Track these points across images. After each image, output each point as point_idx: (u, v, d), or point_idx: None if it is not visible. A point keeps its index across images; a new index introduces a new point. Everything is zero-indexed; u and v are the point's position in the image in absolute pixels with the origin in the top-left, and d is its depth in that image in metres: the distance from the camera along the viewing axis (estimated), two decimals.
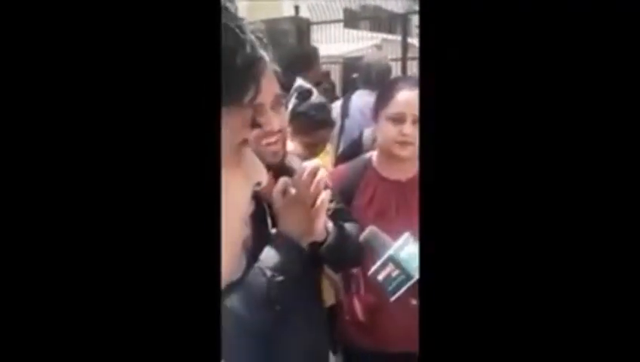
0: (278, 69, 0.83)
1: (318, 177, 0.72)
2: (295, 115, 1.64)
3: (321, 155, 1.74)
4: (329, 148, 1.86)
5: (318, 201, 0.73)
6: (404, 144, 1.13)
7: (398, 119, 1.13)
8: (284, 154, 0.82)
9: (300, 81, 2.80)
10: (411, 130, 1.12)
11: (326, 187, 1.04)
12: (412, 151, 1.15)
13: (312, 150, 1.65)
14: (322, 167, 0.76)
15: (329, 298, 1.40)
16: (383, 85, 2.57)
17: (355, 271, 1.23)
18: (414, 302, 0.82)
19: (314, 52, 3.15)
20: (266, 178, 0.58)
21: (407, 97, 1.14)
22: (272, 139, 0.78)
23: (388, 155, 1.20)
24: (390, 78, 2.46)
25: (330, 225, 0.86)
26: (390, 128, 1.14)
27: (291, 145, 1.67)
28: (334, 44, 5.80)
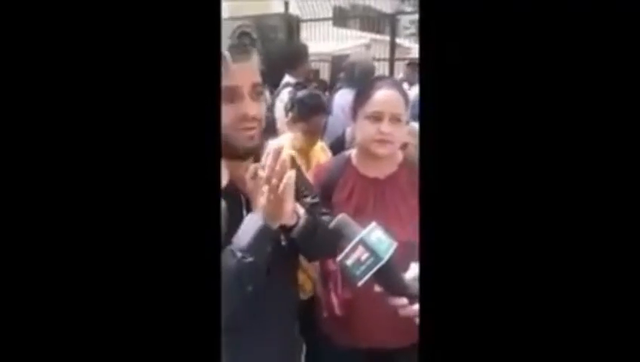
0: (262, 67, 0.86)
1: (281, 157, 0.74)
2: (294, 103, 1.73)
3: (319, 151, 1.79)
4: (324, 145, 1.90)
5: (284, 180, 0.75)
6: (382, 142, 1.14)
7: (376, 118, 1.14)
8: (261, 141, 0.83)
9: (287, 78, 2.81)
10: (389, 129, 1.13)
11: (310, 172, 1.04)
12: (390, 150, 1.17)
13: (309, 138, 1.73)
14: (287, 148, 0.78)
15: (307, 291, 1.43)
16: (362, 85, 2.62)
17: (333, 267, 1.24)
18: (378, 288, 0.84)
19: (303, 49, 3.16)
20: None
21: (385, 96, 1.15)
22: (248, 125, 0.80)
23: (366, 153, 1.22)
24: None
25: (302, 210, 0.88)
26: (368, 127, 1.15)
27: (291, 134, 1.73)
28: (323, 42, 5.81)
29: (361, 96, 1.19)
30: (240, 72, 0.79)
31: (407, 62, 4.51)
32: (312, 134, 1.75)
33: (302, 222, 0.87)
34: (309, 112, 1.72)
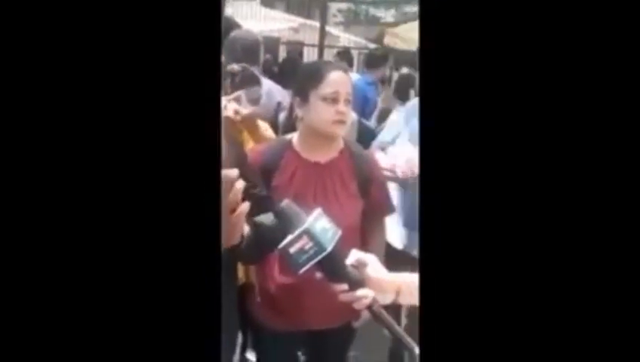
0: None
1: (235, 187, 0.70)
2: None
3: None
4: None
5: (237, 211, 0.71)
6: (340, 123, 1.17)
7: (333, 99, 1.16)
8: None
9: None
10: (345, 109, 1.17)
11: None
12: (344, 130, 1.21)
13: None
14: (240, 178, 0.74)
15: (241, 277, 1.38)
16: (293, 69, 2.63)
17: (268, 254, 1.22)
18: (319, 275, 0.84)
19: (230, 25, 3.03)
20: None
21: (339, 77, 1.18)
22: None
23: (316, 136, 1.21)
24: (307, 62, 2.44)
25: (246, 229, 0.85)
26: (325, 108, 1.16)
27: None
28: (250, 21, 5.64)
29: (311, 79, 1.17)
30: None
31: (336, 50, 4.55)
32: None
33: (245, 243, 0.83)
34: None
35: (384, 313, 0.78)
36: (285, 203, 0.97)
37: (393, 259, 1.25)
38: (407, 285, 0.81)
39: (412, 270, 1.10)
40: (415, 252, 1.57)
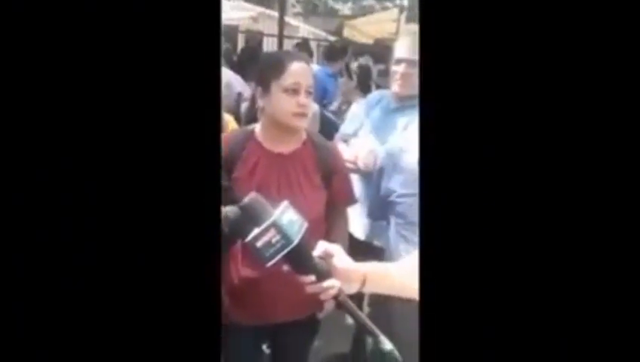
0: None
1: None
2: None
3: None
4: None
5: None
6: (301, 115, 1.15)
7: (295, 90, 1.14)
8: None
9: None
10: (306, 101, 1.15)
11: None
12: (306, 122, 1.19)
13: None
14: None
15: None
16: (253, 58, 2.57)
17: (232, 247, 1.20)
18: (286, 267, 0.84)
19: None
20: None
21: (301, 68, 1.16)
22: None
23: (278, 127, 1.19)
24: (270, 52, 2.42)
25: None
26: (286, 100, 1.14)
27: None
28: None
29: (273, 69, 1.15)
30: None
31: (296, 41, 4.52)
32: None
33: None
34: None
35: (349, 302, 0.79)
36: (252, 196, 0.96)
37: (356, 249, 1.26)
38: (371, 274, 0.82)
39: (374, 260, 1.12)
40: (377, 242, 1.59)
